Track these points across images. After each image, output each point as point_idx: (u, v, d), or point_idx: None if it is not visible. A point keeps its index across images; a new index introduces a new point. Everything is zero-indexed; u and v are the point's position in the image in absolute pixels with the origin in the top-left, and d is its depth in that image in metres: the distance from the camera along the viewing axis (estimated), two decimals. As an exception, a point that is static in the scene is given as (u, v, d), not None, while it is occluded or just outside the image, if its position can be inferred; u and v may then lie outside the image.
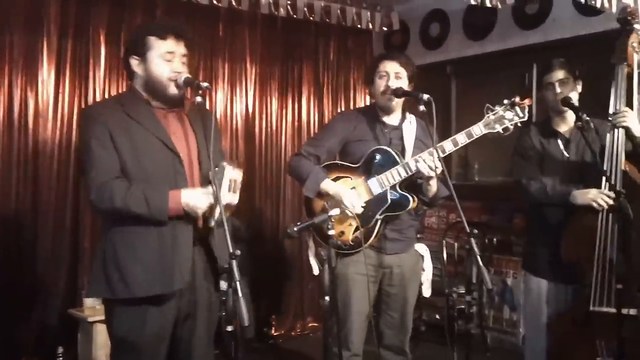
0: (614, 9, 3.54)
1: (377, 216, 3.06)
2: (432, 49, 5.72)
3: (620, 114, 3.05)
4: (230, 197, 2.47)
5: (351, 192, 3.04)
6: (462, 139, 3.01)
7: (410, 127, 3.22)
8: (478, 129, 3.01)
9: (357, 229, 3.04)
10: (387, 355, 3.23)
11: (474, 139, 3.01)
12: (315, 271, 3.20)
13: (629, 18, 3.10)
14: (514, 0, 3.65)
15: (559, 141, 3.30)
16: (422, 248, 3.32)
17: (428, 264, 3.32)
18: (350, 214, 2.98)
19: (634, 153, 3.11)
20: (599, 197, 3.01)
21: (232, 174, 2.47)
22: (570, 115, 3.28)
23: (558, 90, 3.23)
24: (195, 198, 2.44)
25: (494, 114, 3.00)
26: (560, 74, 3.25)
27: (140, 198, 2.40)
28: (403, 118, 3.24)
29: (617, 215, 2.95)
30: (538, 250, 3.34)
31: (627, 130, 3.06)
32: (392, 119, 3.22)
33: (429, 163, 2.91)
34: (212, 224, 2.48)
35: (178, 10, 4.79)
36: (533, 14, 4.89)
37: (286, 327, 5.48)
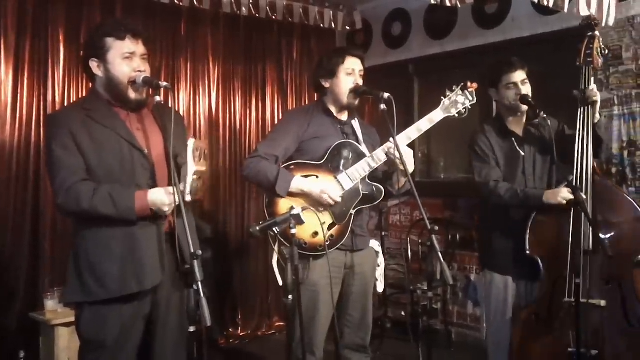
0: (566, 9, 3.63)
1: (351, 211, 3.06)
2: (394, 48, 5.77)
3: (593, 93, 3.12)
4: (199, 166, 2.48)
5: (326, 182, 3.02)
6: (424, 124, 3.12)
7: (356, 123, 3.25)
8: (437, 114, 3.14)
9: (331, 226, 3.02)
10: (348, 354, 3.20)
11: (434, 124, 3.14)
12: (280, 281, 3.12)
13: (592, 24, 3.23)
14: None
15: (513, 140, 3.35)
16: (375, 244, 3.34)
17: (381, 260, 3.36)
18: (321, 210, 2.97)
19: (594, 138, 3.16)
20: (569, 196, 3.05)
21: (197, 144, 2.49)
22: (524, 114, 3.36)
23: (523, 90, 3.29)
24: (161, 196, 2.45)
25: (448, 99, 3.15)
26: (522, 75, 3.30)
27: (107, 199, 2.41)
28: (350, 115, 3.25)
29: (575, 209, 3.01)
30: (501, 248, 3.37)
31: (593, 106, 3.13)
32: (342, 115, 3.22)
33: (400, 150, 2.95)
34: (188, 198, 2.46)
35: (138, 8, 4.74)
36: (492, 13, 4.98)
37: (252, 327, 5.48)
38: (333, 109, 3.20)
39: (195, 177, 2.45)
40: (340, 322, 3.17)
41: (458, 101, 3.14)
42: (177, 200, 2.32)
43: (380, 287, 3.39)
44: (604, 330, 3.01)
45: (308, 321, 2.98)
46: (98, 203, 2.40)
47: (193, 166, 2.44)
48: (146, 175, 2.52)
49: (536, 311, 3.21)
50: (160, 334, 2.60)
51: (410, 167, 2.99)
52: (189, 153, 2.44)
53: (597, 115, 3.16)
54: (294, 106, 5.80)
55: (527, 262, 3.22)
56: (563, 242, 3.08)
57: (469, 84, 3.16)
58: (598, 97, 3.14)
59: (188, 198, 2.46)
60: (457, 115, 3.14)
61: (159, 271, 2.51)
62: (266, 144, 3.15)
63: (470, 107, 3.16)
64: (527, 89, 3.29)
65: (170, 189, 2.46)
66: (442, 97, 3.15)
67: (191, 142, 2.46)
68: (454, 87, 3.15)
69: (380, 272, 3.36)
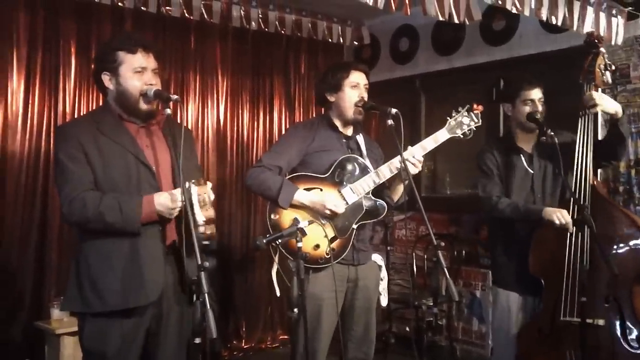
0: (575, 27, 3.65)
1: (354, 225, 3.06)
2: (401, 64, 5.81)
3: (588, 98, 3.13)
4: (205, 214, 2.44)
5: (329, 194, 3.02)
6: (429, 144, 3.13)
7: (361, 139, 3.25)
8: (442, 134, 3.14)
9: (332, 240, 3.02)
10: None
11: (439, 143, 3.15)
12: (277, 292, 3.15)
13: (596, 41, 3.24)
14: (481, 16, 3.71)
15: (522, 157, 3.37)
16: (378, 258, 3.34)
17: (384, 274, 3.36)
18: (324, 223, 2.97)
19: (613, 133, 3.18)
20: (562, 217, 3.07)
21: (200, 191, 2.44)
22: (535, 132, 3.36)
23: (540, 108, 3.31)
24: (168, 197, 2.46)
25: (454, 120, 3.15)
26: (539, 93, 3.33)
27: (114, 205, 2.41)
28: (355, 130, 3.26)
29: (582, 228, 3.03)
30: (506, 264, 3.38)
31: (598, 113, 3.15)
32: (347, 130, 3.23)
33: (412, 161, 3.02)
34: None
35: (148, 22, 4.78)
36: (500, 30, 5.00)
37: (256, 339, 5.47)
38: (338, 123, 3.20)
39: (206, 225, 2.42)
40: (343, 336, 3.14)
41: (463, 122, 3.14)
42: (183, 202, 2.32)
43: (383, 302, 3.37)
44: (602, 351, 2.99)
45: (310, 335, 2.98)
46: (104, 209, 2.40)
47: (201, 215, 2.41)
48: (151, 192, 2.51)
49: (539, 328, 3.21)
50: (161, 346, 2.60)
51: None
52: (194, 202, 2.40)
53: (619, 112, 3.14)
54: (301, 120, 5.82)
55: (532, 278, 3.22)
56: (564, 260, 3.08)
57: (474, 105, 3.14)
58: (598, 101, 3.11)
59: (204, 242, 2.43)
60: (461, 136, 3.14)
61: (160, 286, 2.51)
62: (270, 155, 3.16)
63: (475, 129, 3.16)
64: (542, 108, 3.31)
65: (175, 192, 2.46)
66: (448, 118, 3.15)
67: (194, 190, 2.41)
68: (460, 108, 3.15)
69: (383, 286, 3.35)
